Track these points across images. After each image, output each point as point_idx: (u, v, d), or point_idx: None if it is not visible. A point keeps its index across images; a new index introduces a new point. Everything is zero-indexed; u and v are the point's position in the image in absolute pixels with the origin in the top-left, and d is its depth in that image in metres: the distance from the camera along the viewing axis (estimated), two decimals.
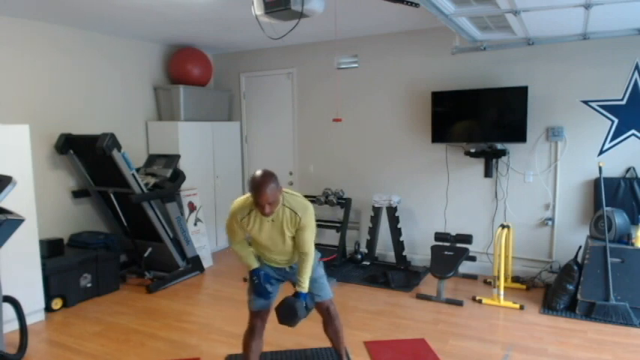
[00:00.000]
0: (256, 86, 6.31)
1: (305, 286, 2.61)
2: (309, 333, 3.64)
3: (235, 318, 3.98)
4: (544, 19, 3.29)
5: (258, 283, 2.64)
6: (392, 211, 5.21)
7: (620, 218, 3.95)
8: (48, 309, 4.12)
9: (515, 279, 4.71)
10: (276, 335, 3.58)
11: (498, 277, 4.18)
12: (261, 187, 2.33)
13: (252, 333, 2.69)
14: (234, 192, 6.20)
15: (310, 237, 2.59)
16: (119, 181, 4.58)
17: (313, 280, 2.71)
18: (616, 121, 4.35)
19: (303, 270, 2.60)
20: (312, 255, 2.62)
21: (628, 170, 4.33)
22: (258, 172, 2.40)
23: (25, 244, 3.83)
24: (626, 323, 3.72)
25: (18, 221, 2.93)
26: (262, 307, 2.69)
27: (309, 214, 2.55)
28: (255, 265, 2.68)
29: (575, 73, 4.46)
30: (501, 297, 4.17)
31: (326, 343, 3.43)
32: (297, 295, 2.59)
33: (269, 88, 6.21)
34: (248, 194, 2.50)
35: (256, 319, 2.69)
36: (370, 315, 4.03)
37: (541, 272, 4.70)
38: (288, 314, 2.56)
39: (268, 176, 2.37)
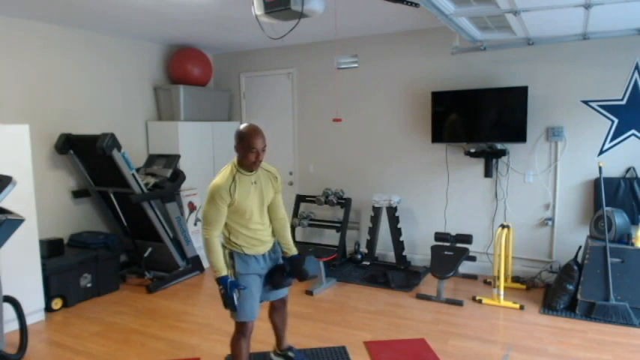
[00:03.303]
0: (256, 86, 6.31)
1: (294, 249, 2.88)
2: (309, 333, 3.65)
3: None
4: (544, 19, 3.29)
5: (225, 293, 2.50)
6: (392, 211, 5.21)
7: (620, 218, 3.95)
8: (48, 309, 4.12)
9: (515, 279, 4.71)
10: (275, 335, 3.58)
11: (498, 277, 4.18)
12: (255, 132, 2.52)
13: (243, 336, 2.66)
14: None
15: (281, 200, 2.87)
16: (119, 181, 4.58)
17: None
18: (616, 121, 4.35)
19: (287, 235, 2.89)
20: (287, 219, 2.91)
21: (628, 170, 4.33)
22: (247, 123, 2.60)
23: (25, 244, 3.83)
24: (626, 323, 3.72)
25: (18, 221, 2.94)
26: (248, 318, 2.64)
27: (280, 178, 2.82)
28: (224, 271, 2.54)
29: (575, 73, 4.46)
30: (501, 297, 4.17)
31: (326, 343, 3.45)
32: (296, 256, 2.84)
33: (269, 88, 6.21)
34: (223, 170, 2.62)
35: (244, 326, 2.64)
36: (370, 315, 4.03)
37: (541, 272, 4.70)
38: (314, 265, 2.81)
39: (257, 126, 2.59)
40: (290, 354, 3.13)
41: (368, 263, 5.38)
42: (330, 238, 5.71)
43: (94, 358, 3.35)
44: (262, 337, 3.40)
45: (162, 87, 5.78)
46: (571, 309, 3.96)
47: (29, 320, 3.73)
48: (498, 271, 4.18)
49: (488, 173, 4.85)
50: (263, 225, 2.73)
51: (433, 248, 4.61)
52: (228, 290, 2.48)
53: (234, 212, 2.59)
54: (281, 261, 2.90)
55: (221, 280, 2.51)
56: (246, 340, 2.67)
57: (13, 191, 2.97)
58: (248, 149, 2.48)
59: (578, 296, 3.91)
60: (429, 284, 4.73)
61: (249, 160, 2.51)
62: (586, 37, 3.89)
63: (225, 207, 2.53)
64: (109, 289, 4.64)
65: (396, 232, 5.23)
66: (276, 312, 3.02)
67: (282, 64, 6.04)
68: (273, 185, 2.73)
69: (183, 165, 5.31)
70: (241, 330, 2.64)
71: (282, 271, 2.83)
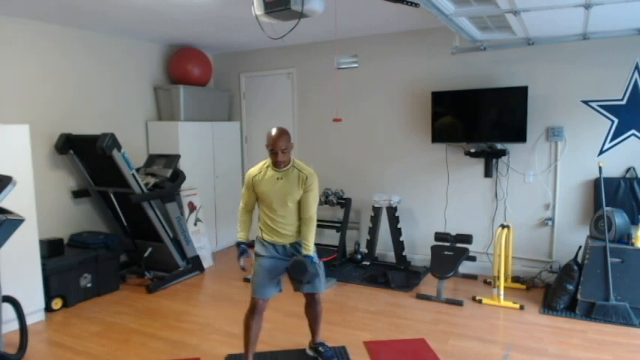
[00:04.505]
0: (256, 86, 6.31)
1: (310, 249, 2.92)
2: (309, 333, 3.64)
3: (235, 318, 3.98)
4: (544, 19, 3.29)
5: (239, 255, 2.99)
6: (392, 211, 5.21)
7: (620, 218, 3.95)
8: (48, 309, 4.12)
9: (515, 279, 4.71)
10: (275, 335, 3.59)
11: (498, 277, 4.18)
12: (277, 135, 2.80)
13: (252, 313, 2.91)
14: (234, 192, 6.20)
15: (314, 202, 2.94)
16: (119, 181, 4.58)
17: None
18: (616, 121, 4.35)
19: (307, 234, 2.93)
20: (314, 220, 2.95)
21: (628, 170, 4.34)
22: (275, 127, 2.87)
23: (25, 244, 3.82)
24: (626, 323, 3.72)
25: (18, 221, 2.94)
26: (255, 295, 2.91)
27: (315, 180, 2.93)
28: (244, 238, 3.04)
29: (575, 73, 4.47)
30: (501, 297, 4.17)
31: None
32: (304, 256, 2.90)
33: (269, 88, 6.21)
34: (261, 162, 2.99)
35: (253, 301, 2.92)
36: (370, 315, 4.03)
37: (541, 272, 4.71)
38: (299, 269, 2.82)
39: (283, 129, 2.86)
40: (320, 349, 3.27)
41: (368, 263, 5.38)
42: (330, 238, 5.71)
43: (94, 358, 3.35)
44: (263, 338, 3.39)
45: (162, 87, 5.78)
46: (571, 309, 3.96)
47: (29, 320, 3.73)
48: (498, 271, 4.18)
49: (488, 173, 4.85)
50: (284, 219, 2.92)
51: (433, 248, 4.61)
52: (238, 254, 2.99)
53: (260, 200, 2.97)
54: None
55: (236, 244, 3.05)
56: (253, 317, 2.91)
57: (13, 191, 2.97)
58: (270, 150, 2.84)
59: (578, 296, 3.91)
60: (429, 284, 4.73)
61: (272, 158, 2.88)
62: (586, 37, 3.89)
63: (250, 191, 2.97)
64: (109, 289, 4.64)
65: (396, 232, 5.23)
66: (308, 307, 3.22)
67: (282, 64, 6.04)
68: (300, 185, 2.89)
69: (183, 165, 5.31)
70: (251, 305, 2.93)
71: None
